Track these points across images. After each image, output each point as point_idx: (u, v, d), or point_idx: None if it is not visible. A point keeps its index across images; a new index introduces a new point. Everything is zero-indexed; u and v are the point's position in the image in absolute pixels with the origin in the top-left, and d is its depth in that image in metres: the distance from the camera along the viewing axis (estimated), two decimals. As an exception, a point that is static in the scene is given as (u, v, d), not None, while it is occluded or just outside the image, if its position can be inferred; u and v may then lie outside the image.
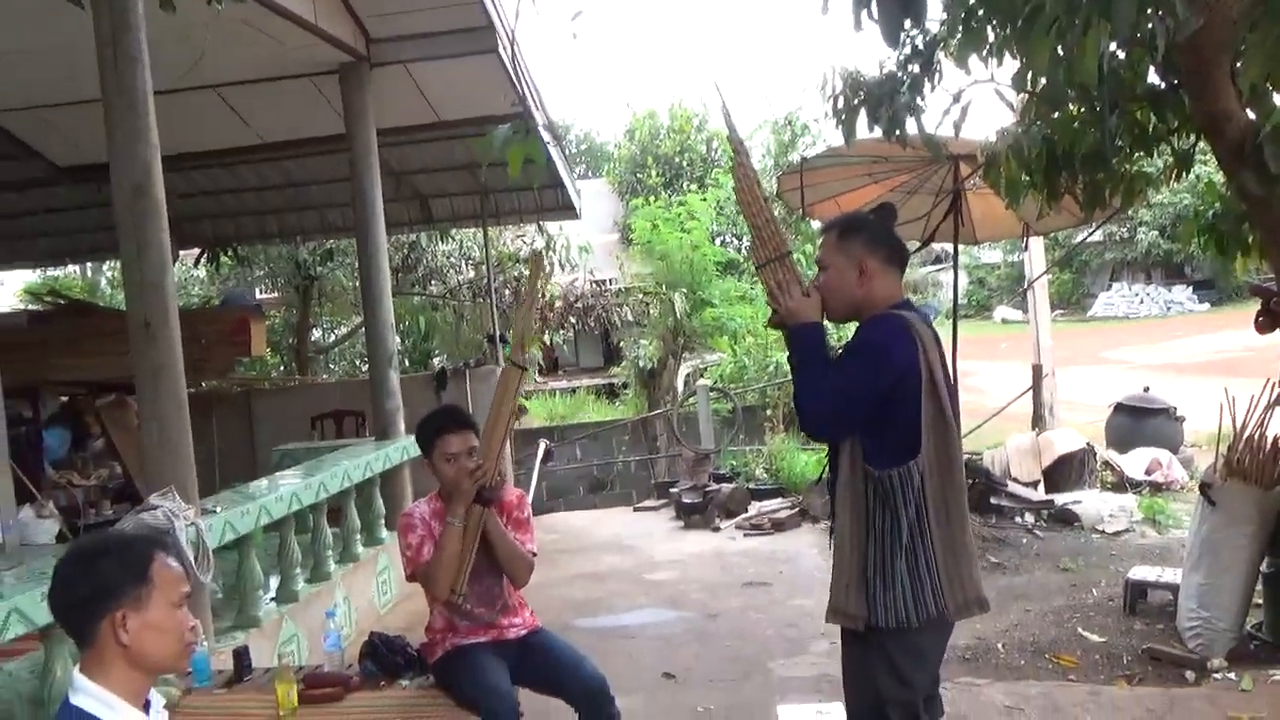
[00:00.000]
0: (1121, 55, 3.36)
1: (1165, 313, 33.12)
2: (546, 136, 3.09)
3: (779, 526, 7.97)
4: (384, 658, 3.59)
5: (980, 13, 3.14)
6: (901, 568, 2.55)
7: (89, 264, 17.43)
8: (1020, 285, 33.47)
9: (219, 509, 4.68)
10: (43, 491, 7.96)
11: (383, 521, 6.74)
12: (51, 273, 17.43)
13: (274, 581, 5.48)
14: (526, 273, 14.03)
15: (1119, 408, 9.56)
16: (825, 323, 2.79)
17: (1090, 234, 14.71)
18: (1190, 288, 34.48)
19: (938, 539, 2.54)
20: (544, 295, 14.71)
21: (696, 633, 5.62)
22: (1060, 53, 2.94)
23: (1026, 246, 9.72)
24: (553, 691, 3.38)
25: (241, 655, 3.71)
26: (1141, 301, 34.43)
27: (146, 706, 1.92)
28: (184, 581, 1.97)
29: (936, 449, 2.55)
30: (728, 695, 4.65)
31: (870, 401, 2.57)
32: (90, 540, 1.98)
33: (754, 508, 8.56)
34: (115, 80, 4.17)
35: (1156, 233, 32.33)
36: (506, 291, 14.03)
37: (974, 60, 3.58)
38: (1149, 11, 2.07)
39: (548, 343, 16.83)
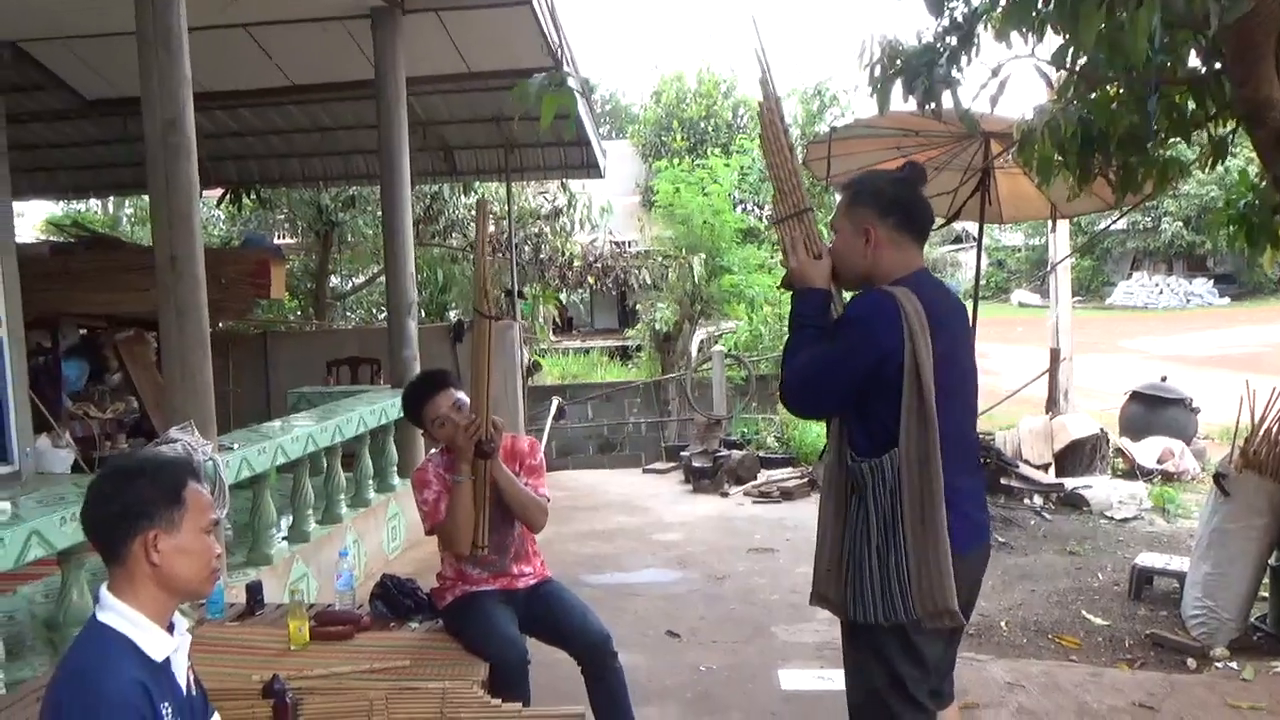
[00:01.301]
0: (1167, 38, 3.31)
1: (1185, 304, 32.89)
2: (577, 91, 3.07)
3: (787, 495, 8.00)
4: (394, 599, 3.63)
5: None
6: (872, 564, 2.41)
7: (110, 199, 17.46)
8: (1040, 270, 33.32)
9: (236, 446, 4.72)
10: (60, 422, 8.05)
11: (395, 468, 6.79)
12: (73, 206, 17.47)
13: (285, 521, 5.54)
14: (549, 230, 14.05)
15: (1134, 396, 9.53)
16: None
17: (1116, 220, 14.56)
18: (1211, 280, 34.20)
19: (911, 541, 2.35)
20: (563, 253, 14.71)
21: (701, 594, 5.67)
22: (1106, 31, 2.92)
23: (1054, 229, 9.64)
24: (557, 642, 3.41)
25: (254, 590, 3.75)
26: (1161, 292, 34.18)
27: (170, 630, 1.95)
28: (213, 508, 2.00)
29: (916, 445, 2.35)
30: (730, 656, 4.70)
31: (843, 381, 2.44)
32: (125, 458, 2.00)
33: (763, 475, 8.59)
34: (150, 14, 4.18)
35: (1181, 223, 32.05)
36: (527, 247, 14.02)
37: (1014, 35, 3.56)
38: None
39: (563, 301, 16.82)
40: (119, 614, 1.86)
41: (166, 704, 1.84)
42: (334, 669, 3.12)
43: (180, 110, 4.21)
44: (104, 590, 1.89)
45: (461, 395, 3.38)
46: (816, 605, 2.70)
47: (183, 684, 1.96)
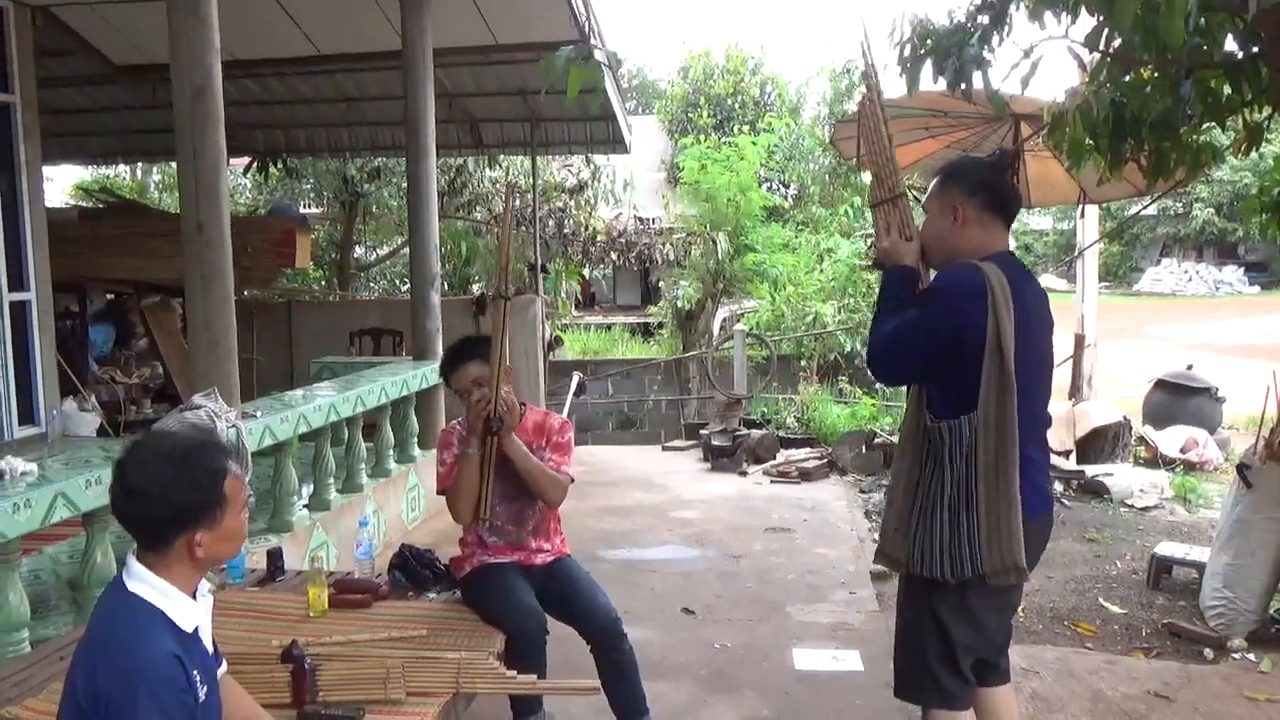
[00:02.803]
0: (1203, 21, 3.25)
1: (1214, 292, 32.55)
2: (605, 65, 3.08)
3: (806, 476, 7.99)
4: (413, 570, 3.66)
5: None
6: (943, 521, 2.54)
7: (139, 165, 17.56)
8: (1067, 255, 33.01)
9: (259, 414, 4.76)
10: (86, 386, 8.14)
11: (416, 440, 6.83)
12: (101, 172, 17.58)
13: (306, 490, 5.58)
14: (572, 205, 14.03)
15: (1159, 384, 9.44)
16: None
17: (1147, 206, 14.39)
18: (1242, 269, 33.83)
19: (983, 499, 2.48)
20: (587, 228, 14.70)
21: (718, 572, 5.68)
22: (1142, 14, 2.87)
23: (1083, 214, 9.53)
24: (567, 621, 3.43)
25: (275, 556, 3.79)
26: (1190, 279, 33.84)
27: (193, 595, 1.98)
28: (246, 485, 2.01)
29: (996, 409, 2.48)
30: (745, 634, 4.71)
31: (929, 346, 2.55)
32: (159, 454, 1.91)
33: (782, 455, 8.58)
34: (180, -20, 4.17)
35: (1212, 210, 31.68)
36: (550, 222, 14.00)
37: (1047, 16, 3.50)
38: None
39: (586, 277, 16.82)
40: (150, 585, 1.88)
41: (196, 671, 1.87)
42: (352, 636, 3.15)
43: (209, 78, 4.23)
44: (133, 560, 1.91)
45: (482, 372, 3.38)
46: (880, 564, 2.85)
47: (209, 646, 2.00)
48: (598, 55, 3.06)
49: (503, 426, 3.27)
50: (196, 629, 1.95)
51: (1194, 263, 34.84)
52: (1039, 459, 2.66)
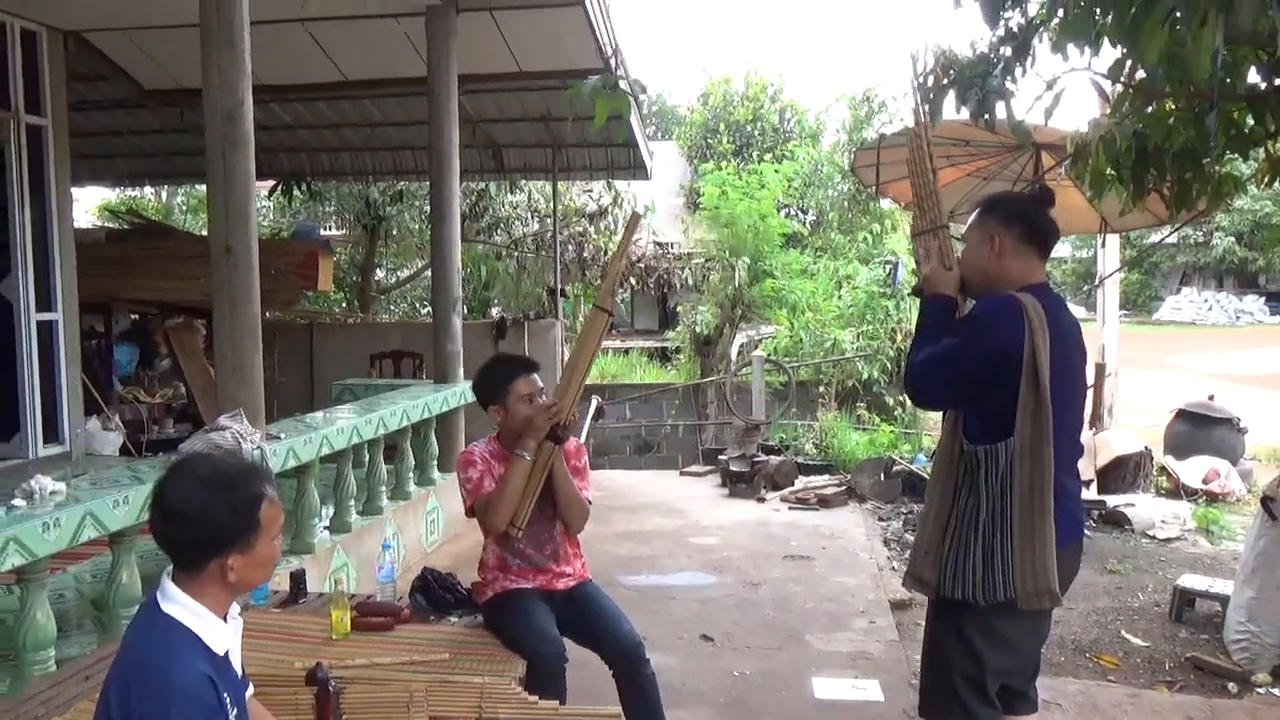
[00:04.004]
0: (1225, 53, 3.25)
1: (1234, 321, 32.35)
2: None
3: (825, 503, 7.97)
4: (435, 593, 3.67)
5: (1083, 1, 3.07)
6: (977, 545, 2.56)
7: (164, 187, 17.77)
8: (1085, 283, 32.89)
9: (283, 435, 4.79)
10: (110, 405, 8.22)
11: (436, 462, 6.85)
12: (127, 194, 17.78)
13: (327, 511, 5.60)
14: (592, 230, 14.11)
15: (1181, 414, 9.39)
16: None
17: (1167, 235, 14.35)
18: (1263, 298, 33.62)
19: (1018, 524, 2.51)
20: (607, 253, 14.76)
21: (737, 599, 5.67)
22: (1167, 47, 2.88)
23: (1104, 243, 9.52)
24: (590, 646, 3.44)
25: (298, 578, 3.81)
26: (1210, 308, 33.65)
27: (224, 617, 2.00)
28: (283, 513, 2.04)
29: (1032, 435, 2.50)
30: (764, 662, 4.70)
31: (966, 372, 2.59)
32: (199, 477, 1.94)
33: (801, 482, 8.57)
34: (214, 8, 4.25)
35: (1233, 239, 31.55)
36: (570, 246, 14.07)
37: (1070, 47, 3.52)
38: (1270, 8, 2.01)
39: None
40: (184, 607, 1.91)
41: (227, 694, 1.89)
42: (374, 659, 3.17)
43: (240, 103, 4.29)
44: (168, 581, 1.94)
45: (541, 386, 3.51)
46: (910, 587, 2.86)
47: (238, 670, 2.02)
48: (624, 84, 3.08)
49: (567, 436, 3.39)
50: (227, 652, 1.97)
51: (1214, 291, 34.68)
52: (1072, 486, 2.69)
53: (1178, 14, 2.32)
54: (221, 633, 1.95)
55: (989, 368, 2.55)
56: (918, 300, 2.90)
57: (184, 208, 18.49)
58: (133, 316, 9.61)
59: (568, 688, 3.24)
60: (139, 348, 9.33)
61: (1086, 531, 7.12)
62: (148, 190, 18.01)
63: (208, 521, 1.89)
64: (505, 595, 3.40)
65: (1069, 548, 2.62)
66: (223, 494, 1.91)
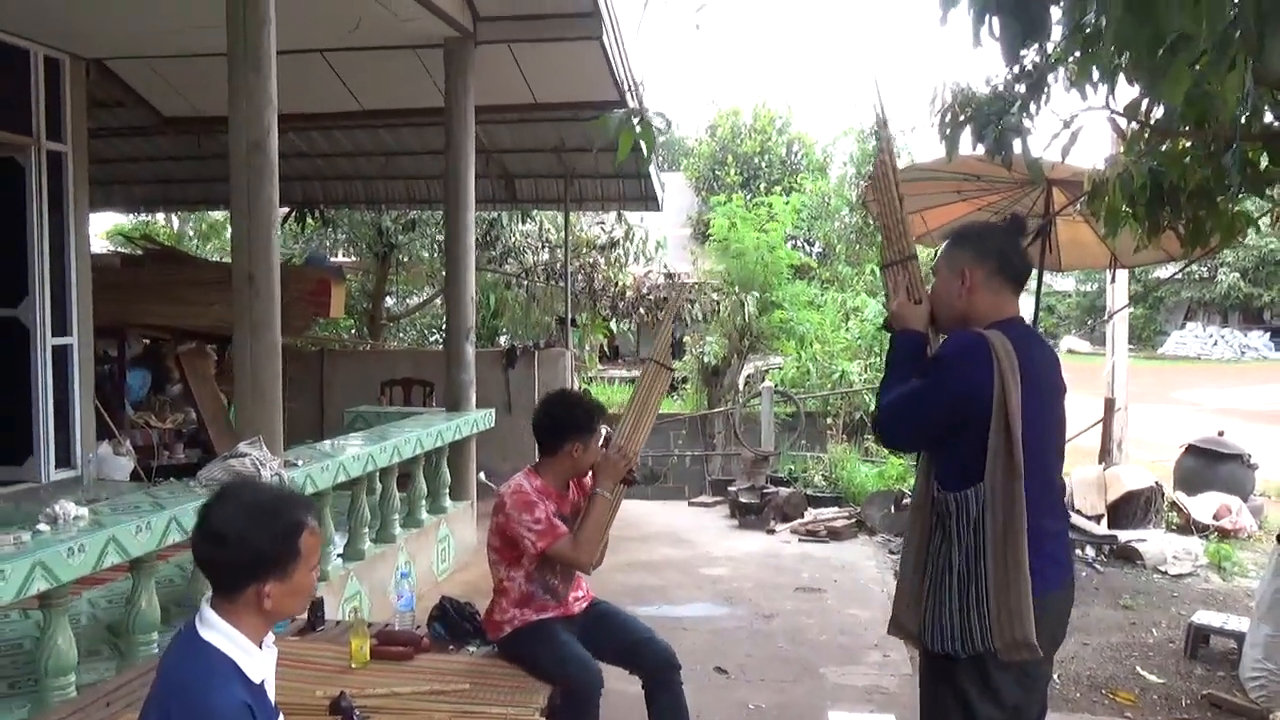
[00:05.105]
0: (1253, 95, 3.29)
1: (1239, 357, 32.35)
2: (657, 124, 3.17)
3: (835, 535, 7.95)
4: (453, 622, 3.67)
5: (1101, 41, 3.11)
6: (953, 594, 2.46)
7: (176, 213, 17.88)
8: (1090, 317, 32.91)
9: (300, 462, 4.81)
10: (121, 430, 8.23)
11: (447, 490, 6.86)
12: (141, 219, 17.89)
13: (341, 539, 5.61)
14: (603, 261, 14.20)
15: (1191, 449, 9.37)
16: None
17: (1177, 272, 14.40)
18: (1268, 334, 33.62)
19: (992, 573, 2.41)
20: (616, 284, 14.85)
21: (749, 631, 5.66)
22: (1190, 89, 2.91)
23: (1114, 279, 9.55)
24: (621, 660, 3.48)
25: (317, 606, 3.81)
26: (1215, 343, 33.66)
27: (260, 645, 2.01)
28: (321, 543, 2.06)
29: (1003, 481, 2.41)
30: (779, 695, 4.68)
31: (933, 416, 2.53)
32: (243, 502, 1.98)
33: (810, 514, 8.55)
34: (242, 37, 4.30)
35: (1238, 275, 31.61)
36: (580, 277, 14.12)
37: (1086, 85, 3.56)
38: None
39: (612, 330, 16.91)
40: (223, 635, 1.92)
41: None
42: (395, 689, 3.17)
43: (266, 132, 4.35)
44: (207, 608, 1.95)
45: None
46: (894, 634, 2.79)
47: (271, 699, 2.03)
48: (651, 118, 3.13)
49: (635, 481, 3.59)
50: (263, 681, 1.99)
51: (1219, 327, 34.70)
52: (1053, 529, 2.56)
53: (1204, 56, 2.36)
54: (259, 661, 1.97)
55: (957, 411, 2.48)
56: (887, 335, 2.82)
57: (195, 234, 18.60)
58: (145, 341, 9.64)
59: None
60: (151, 373, 9.35)
61: (1098, 567, 7.15)
62: (159, 216, 18.11)
63: (247, 545, 1.92)
64: (528, 628, 3.40)
65: (1052, 594, 2.51)
66: (264, 520, 1.94)
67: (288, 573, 1.95)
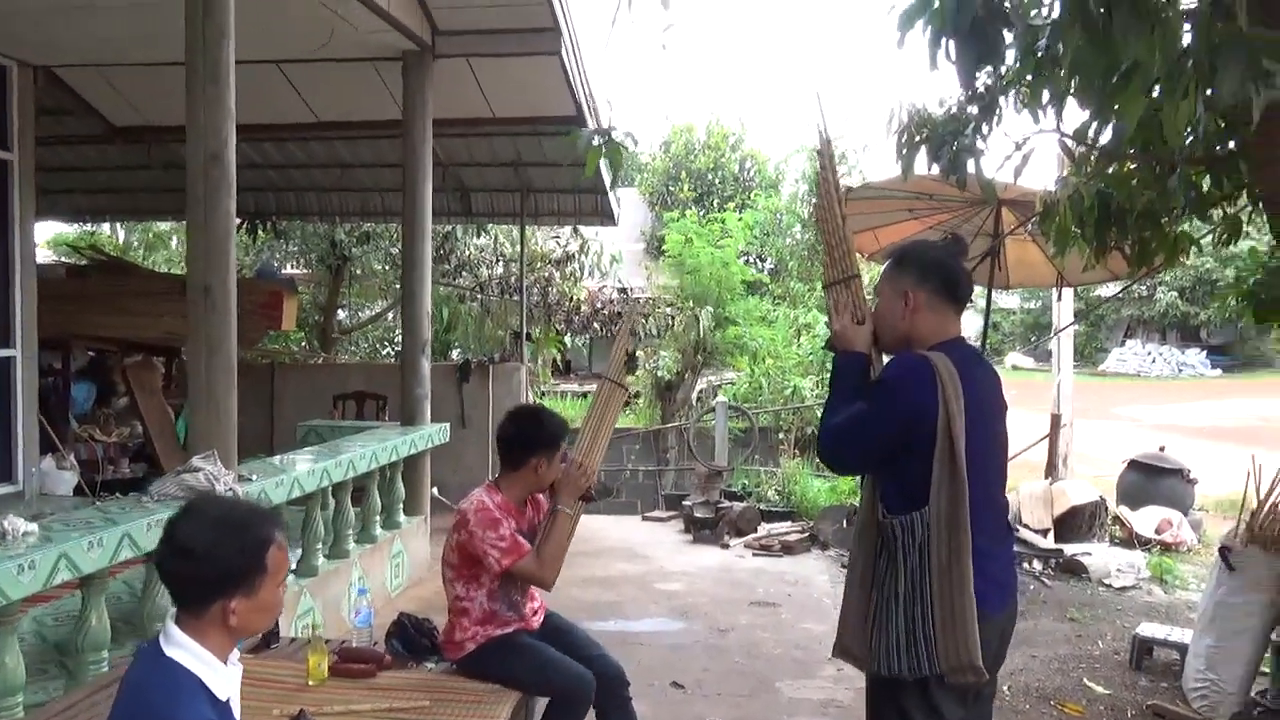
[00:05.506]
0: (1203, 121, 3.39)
1: (1177, 374, 33.13)
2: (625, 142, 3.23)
3: (788, 549, 8.01)
4: (411, 639, 3.64)
5: (1058, 66, 3.19)
6: (898, 618, 2.47)
7: (121, 223, 17.56)
8: (1034, 333, 33.51)
9: (255, 477, 4.74)
10: (65, 444, 8.05)
11: (402, 506, 6.80)
12: (85, 228, 17.55)
13: (294, 555, 5.53)
14: (558, 275, 14.21)
15: (1133, 465, 9.58)
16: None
17: (1121, 290, 14.72)
18: (1204, 351, 34.47)
19: (937, 596, 2.41)
20: (571, 298, 14.86)
21: (704, 646, 5.67)
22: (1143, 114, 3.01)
23: (1059, 297, 9.76)
24: None
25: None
26: (1154, 360, 34.44)
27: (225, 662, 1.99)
28: (289, 559, 2.04)
29: (948, 505, 2.42)
30: (735, 710, 4.70)
31: (878, 440, 2.53)
32: (215, 514, 1.97)
33: (764, 528, 8.61)
34: (201, 48, 4.25)
35: (1176, 294, 32.41)
36: (535, 291, 14.10)
37: (1036, 108, 3.66)
38: (1248, 82, 2.12)
39: (565, 345, 16.91)
40: (189, 652, 1.90)
41: None
42: (353, 706, 3.15)
43: (224, 145, 4.30)
44: (172, 625, 1.93)
45: None
46: (839, 658, 2.76)
47: (237, 716, 2.00)
48: (619, 136, 3.16)
49: (594, 498, 3.60)
50: (229, 699, 1.96)
51: (1158, 344, 35.50)
52: (992, 550, 2.55)
53: (1157, 83, 2.44)
54: (225, 678, 1.95)
55: (901, 435, 2.48)
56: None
57: (140, 244, 18.28)
58: (90, 353, 9.46)
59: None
60: (96, 386, 9.17)
61: (1045, 580, 7.27)
62: (104, 226, 17.78)
63: (214, 560, 1.90)
64: (493, 643, 3.39)
65: (999, 615, 2.54)
66: (232, 534, 1.92)
67: (254, 588, 1.94)
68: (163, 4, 4.69)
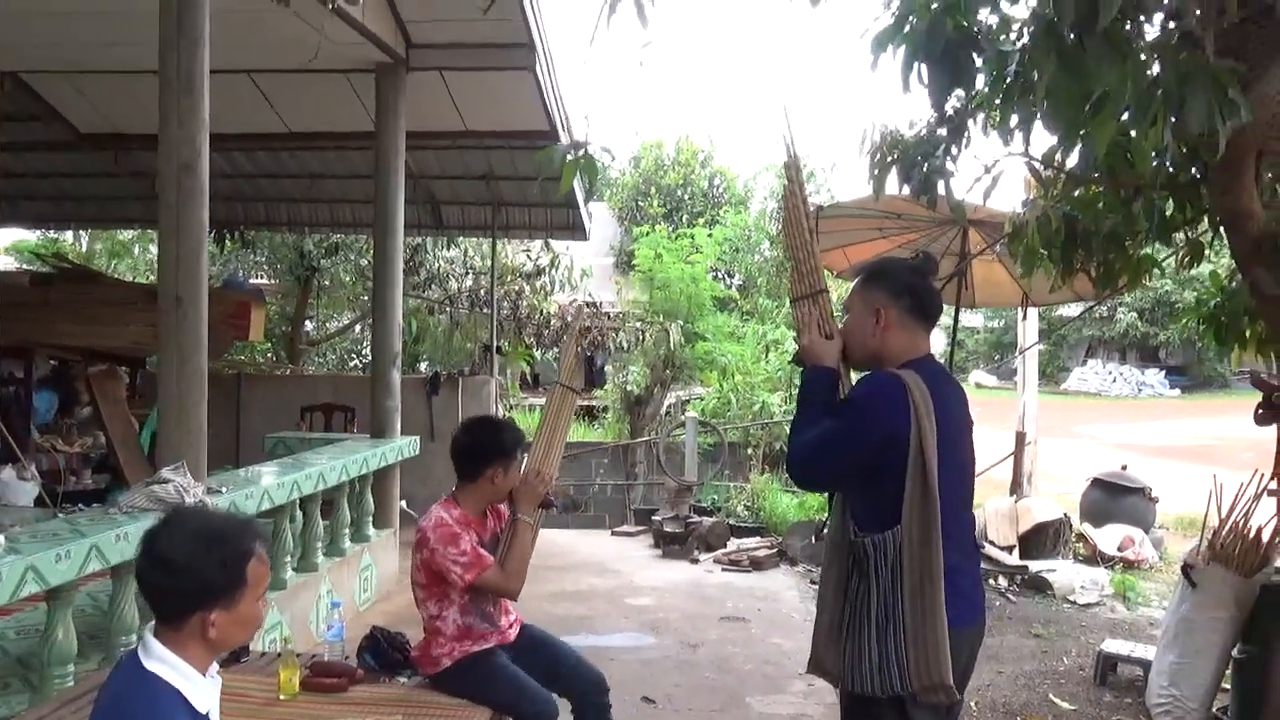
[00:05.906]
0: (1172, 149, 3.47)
1: (1136, 393, 33.61)
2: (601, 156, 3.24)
3: (758, 565, 8.04)
4: (384, 653, 3.63)
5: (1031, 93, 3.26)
6: (871, 637, 2.48)
7: (85, 230, 17.31)
8: (997, 352, 33.89)
9: (224, 489, 4.71)
10: (26, 454, 7.92)
11: (371, 519, 6.76)
12: (46, 235, 17.31)
13: (262, 568, 5.48)
14: (528, 289, 14.20)
15: (1096, 483, 9.71)
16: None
17: (1083, 313, 14.94)
18: (1163, 371, 35.01)
19: (909, 616, 2.42)
20: (541, 312, 14.84)
21: (675, 661, 5.68)
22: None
23: (1025, 316, 9.90)
24: (552, 684, 3.49)
25: (241, 636, 3.73)
26: (1114, 380, 34.92)
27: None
28: (269, 572, 2.03)
29: (920, 523, 2.42)
30: (706, 725, 4.72)
31: (847, 458, 2.52)
32: (195, 527, 1.96)
33: (733, 544, 8.64)
34: (175, 58, 4.25)
35: (1136, 314, 32.93)
36: (505, 304, 14.08)
37: (1005, 131, 3.73)
38: (1215, 113, 2.19)
39: (534, 358, 16.87)
40: (169, 665, 1.89)
41: None
42: (325, 721, 3.12)
43: (196, 154, 4.29)
44: (151, 638, 1.92)
45: None
46: (813, 673, 2.79)
47: None
48: (594, 150, 3.18)
49: (552, 505, 3.63)
50: (208, 712, 1.95)
51: (1118, 364, 36.01)
52: (963, 566, 2.57)
53: (1127, 112, 2.50)
54: (204, 691, 1.94)
55: (873, 455, 2.48)
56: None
57: (103, 252, 18.04)
58: (53, 362, 9.32)
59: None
60: (59, 395, 9.04)
61: (1010, 597, 7.35)
62: (67, 234, 17.54)
63: (194, 573, 1.89)
64: (469, 659, 3.38)
65: (967, 631, 2.56)
66: (212, 547, 1.91)
67: (235, 601, 1.93)
68: (133, 11, 4.66)
